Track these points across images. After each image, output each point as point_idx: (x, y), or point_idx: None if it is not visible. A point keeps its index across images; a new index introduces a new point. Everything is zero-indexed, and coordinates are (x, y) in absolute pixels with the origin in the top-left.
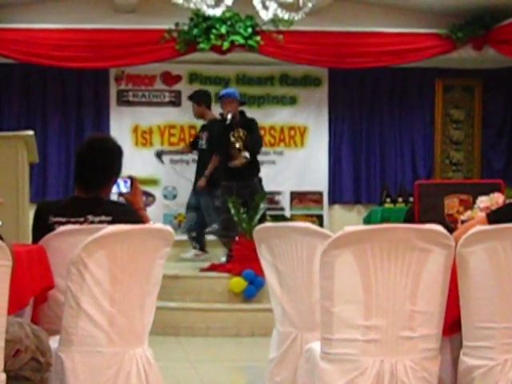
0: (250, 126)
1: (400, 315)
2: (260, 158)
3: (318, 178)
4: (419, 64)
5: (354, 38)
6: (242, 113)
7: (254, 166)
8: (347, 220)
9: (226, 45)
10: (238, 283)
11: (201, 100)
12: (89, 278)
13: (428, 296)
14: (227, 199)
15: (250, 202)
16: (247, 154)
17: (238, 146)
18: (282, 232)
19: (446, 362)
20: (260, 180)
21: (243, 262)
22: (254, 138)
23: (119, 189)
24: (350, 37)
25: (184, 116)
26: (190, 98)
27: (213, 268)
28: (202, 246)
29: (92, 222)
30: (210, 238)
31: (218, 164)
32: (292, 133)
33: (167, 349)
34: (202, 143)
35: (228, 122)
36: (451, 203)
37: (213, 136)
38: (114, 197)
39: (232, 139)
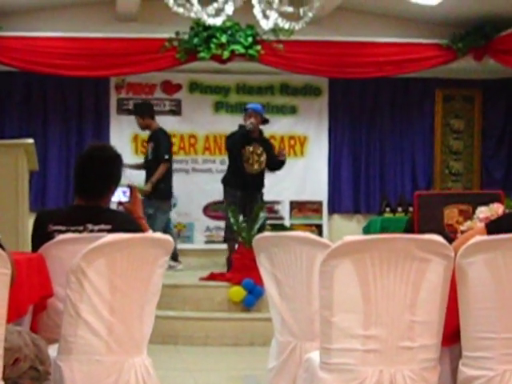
0: (268, 145)
1: (399, 325)
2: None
3: (317, 187)
4: (419, 74)
5: (355, 48)
6: (260, 131)
7: (261, 180)
8: (346, 229)
9: (226, 54)
10: (238, 292)
11: (144, 112)
12: (88, 286)
13: (427, 306)
14: (228, 206)
15: (249, 213)
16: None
17: (255, 159)
18: (281, 241)
19: (445, 372)
20: (262, 194)
21: (242, 271)
22: (274, 158)
23: (119, 198)
24: (351, 46)
25: (184, 125)
26: (133, 111)
27: (212, 277)
28: (175, 256)
29: (92, 231)
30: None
31: (164, 173)
32: (292, 142)
33: (166, 358)
34: (148, 154)
35: (248, 128)
36: (451, 213)
37: (160, 146)
38: (113, 206)
39: (247, 153)
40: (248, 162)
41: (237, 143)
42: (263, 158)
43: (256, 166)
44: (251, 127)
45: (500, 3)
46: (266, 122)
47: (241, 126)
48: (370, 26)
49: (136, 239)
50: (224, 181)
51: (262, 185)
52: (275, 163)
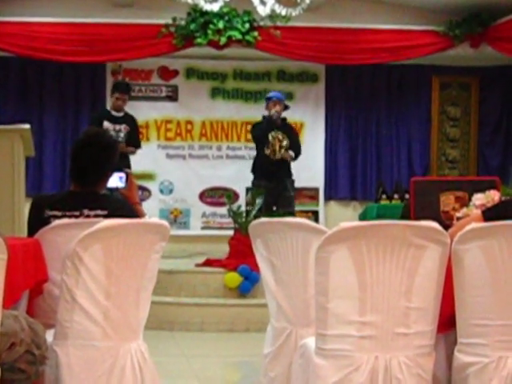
0: (290, 131)
1: (395, 311)
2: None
3: (314, 174)
4: (416, 61)
5: (352, 35)
6: (283, 118)
7: (287, 167)
8: (343, 216)
9: (223, 40)
10: (233, 278)
11: (130, 91)
12: (84, 271)
13: (423, 293)
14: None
15: (280, 201)
16: (293, 154)
17: (277, 145)
18: (277, 227)
19: (441, 359)
20: (292, 181)
21: (239, 257)
22: (296, 143)
23: (115, 183)
24: (347, 33)
25: (181, 111)
26: (125, 89)
27: (208, 263)
28: None
29: (88, 216)
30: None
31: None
32: None
33: (162, 343)
34: (120, 135)
35: (275, 116)
36: (447, 200)
37: (138, 134)
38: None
39: (270, 139)
40: (271, 149)
41: (263, 131)
42: (285, 143)
43: (278, 153)
44: (278, 115)
45: None
46: (287, 108)
47: (265, 117)
48: (367, 12)
49: (132, 225)
50: (252, 171)
51: (288, 172)
52: (296, 150)
